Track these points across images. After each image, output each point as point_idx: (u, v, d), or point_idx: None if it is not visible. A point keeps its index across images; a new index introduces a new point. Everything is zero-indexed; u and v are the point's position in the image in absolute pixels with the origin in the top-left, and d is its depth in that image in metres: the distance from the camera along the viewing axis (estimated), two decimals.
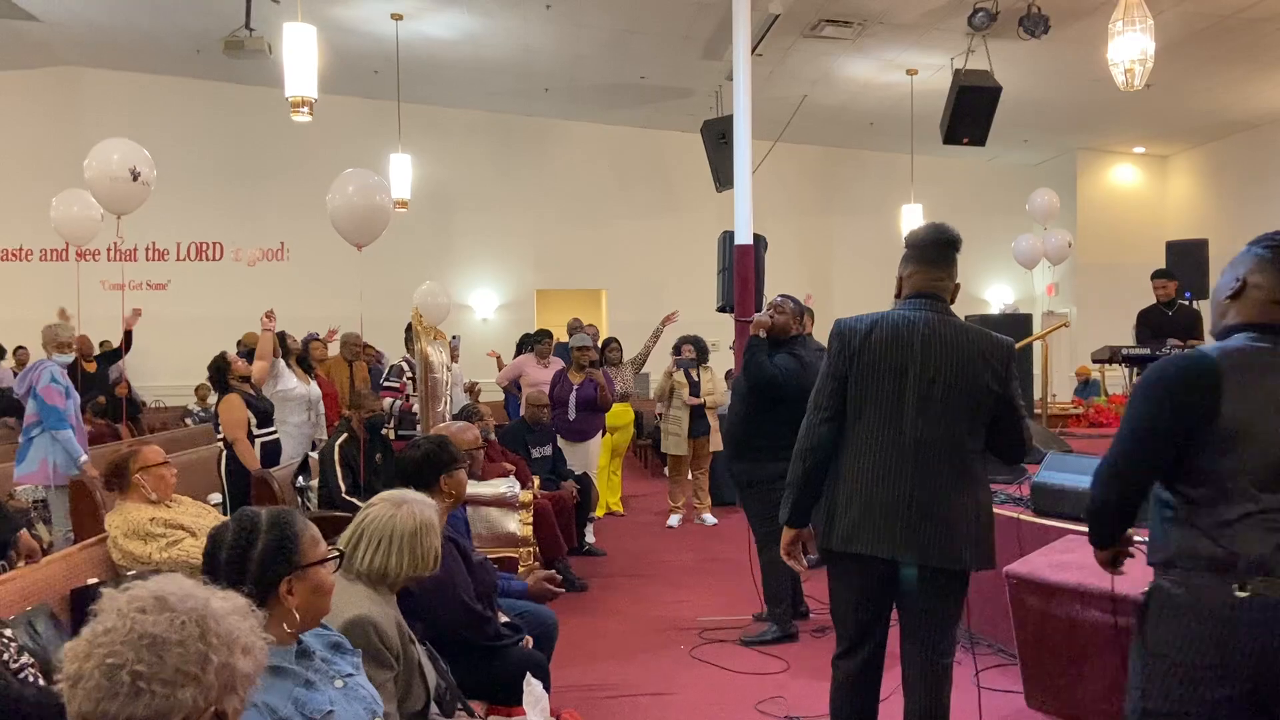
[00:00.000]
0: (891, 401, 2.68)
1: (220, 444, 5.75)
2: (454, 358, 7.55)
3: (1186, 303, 7.74)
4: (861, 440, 2.71)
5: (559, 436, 7.18)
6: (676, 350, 7.96)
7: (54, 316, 6.45)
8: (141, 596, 1.25)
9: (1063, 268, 13.81)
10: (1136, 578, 3.28)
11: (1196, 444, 1.96)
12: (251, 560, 1.80)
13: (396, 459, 3.30)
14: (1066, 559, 3.59)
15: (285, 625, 1.81)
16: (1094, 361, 7.29)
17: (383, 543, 2.37)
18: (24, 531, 3.84)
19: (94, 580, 3.33)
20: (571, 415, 7.34)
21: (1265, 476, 1.91)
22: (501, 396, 9.37)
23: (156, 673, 1.19)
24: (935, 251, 2.84)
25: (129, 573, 3.41)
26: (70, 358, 6.22)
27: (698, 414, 7.79)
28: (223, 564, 1.80)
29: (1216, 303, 2.16)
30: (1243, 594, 1.89)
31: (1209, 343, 2.12)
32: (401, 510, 2.42)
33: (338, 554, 1.94)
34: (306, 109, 7.13)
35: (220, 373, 5.74)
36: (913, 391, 2.67)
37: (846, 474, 2.72)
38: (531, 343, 8.61)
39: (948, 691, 2.82)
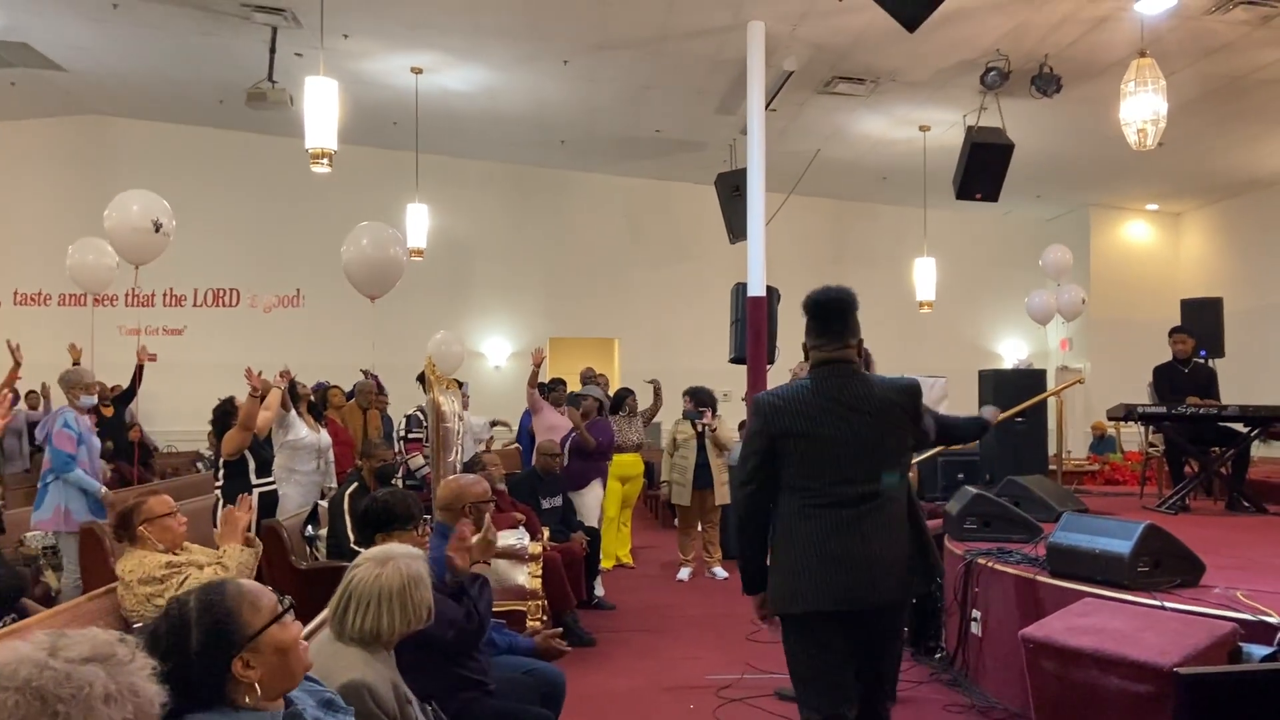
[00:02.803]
0: (825, 466, 2.79)
1: (217, 492, 5.54)
2: (464, 405, 7.54)
3: (1202, 361, 7.69)
4: (804, 505, 2.80)
5: None
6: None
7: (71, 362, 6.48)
8: None
9: (1076, 323, 13.78)
10: (1152, 644, 3.23)
11: None
12: (191, 659, 1.68)
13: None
14: (1084, 623, 3.52)
15: (248, 698, 1.73)
16: (1109, 419, 7.22)
17: (371, 604, 2.34)
18: None
19: None
20: (565, 460, 7.32)
21: None
22: (515, 443, 9.36)
23: None
24: (825, 324, 2.95)
25: (135, 625, 3.37)
26: (94, 399, 6.23)
27: (701, 465, 7.71)
28: (165, 675, 1.47)
29: None
30: None
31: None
32: (387, 568, 2.40)
33: (289, 607, 1.84)
34: (326, 160, 7.23)
35: (225, 416, 5.69)
36: (842, 452, 2.79)
37: (800, 537, 2.79)
38: (544, 391, 8.62)
39: None
